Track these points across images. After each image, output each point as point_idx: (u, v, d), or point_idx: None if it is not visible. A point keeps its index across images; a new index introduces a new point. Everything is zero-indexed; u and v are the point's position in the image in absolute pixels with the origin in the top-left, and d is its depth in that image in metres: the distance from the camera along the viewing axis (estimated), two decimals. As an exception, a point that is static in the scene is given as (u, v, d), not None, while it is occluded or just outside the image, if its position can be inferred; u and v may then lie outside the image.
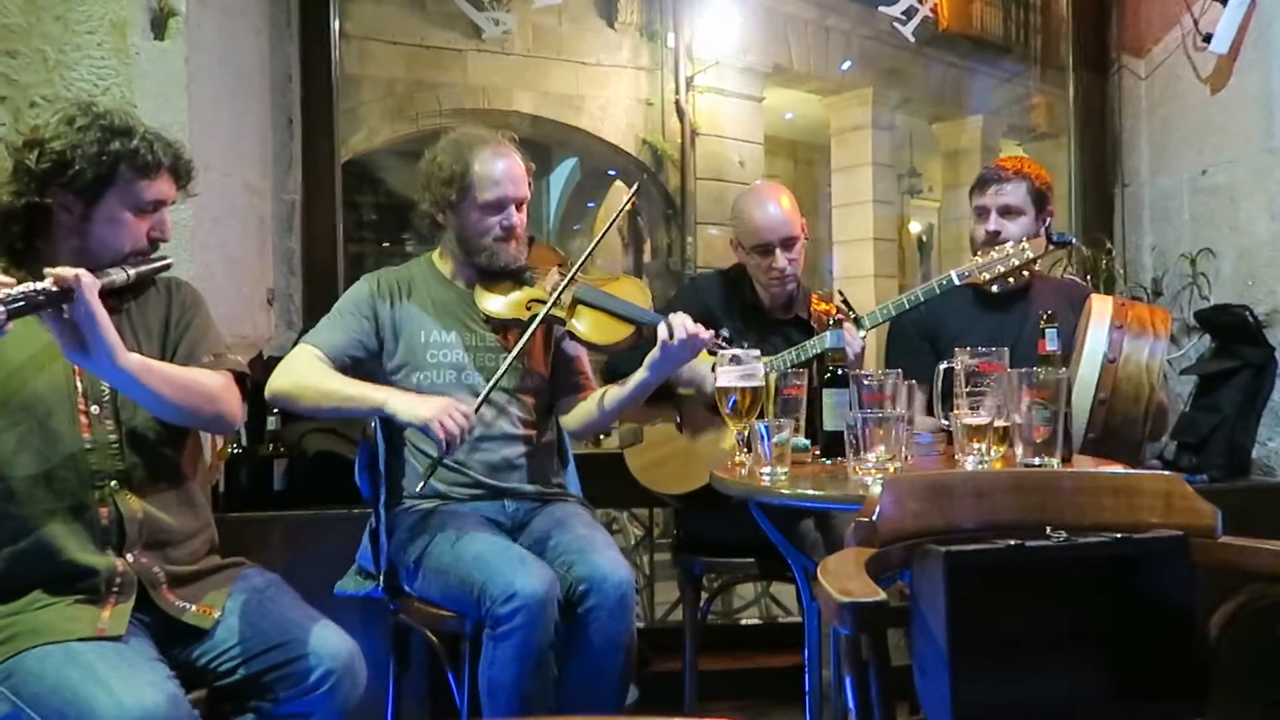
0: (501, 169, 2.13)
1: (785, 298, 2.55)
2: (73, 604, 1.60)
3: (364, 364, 2.13)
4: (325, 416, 2.07)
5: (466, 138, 2.17)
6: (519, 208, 2.16)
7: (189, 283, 1.92)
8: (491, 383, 2.06)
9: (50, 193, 1.65)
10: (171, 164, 1.74)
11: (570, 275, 2.12)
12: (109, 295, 1.57)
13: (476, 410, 2.00)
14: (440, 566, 1.96)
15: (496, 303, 2.16)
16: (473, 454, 2.12)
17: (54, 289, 1.48)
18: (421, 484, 2.05)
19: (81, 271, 1.51)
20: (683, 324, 2.05)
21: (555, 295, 2.11)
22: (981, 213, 2.48)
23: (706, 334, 2.06)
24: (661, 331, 2.06)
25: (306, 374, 2.05)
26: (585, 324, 2.15)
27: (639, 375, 2.12)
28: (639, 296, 2.20)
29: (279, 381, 2.05)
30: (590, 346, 2.22)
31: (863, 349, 2.32)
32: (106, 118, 1.68)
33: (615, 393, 2.17)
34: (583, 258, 2.15)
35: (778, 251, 2.46)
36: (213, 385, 1.73)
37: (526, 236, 2.21)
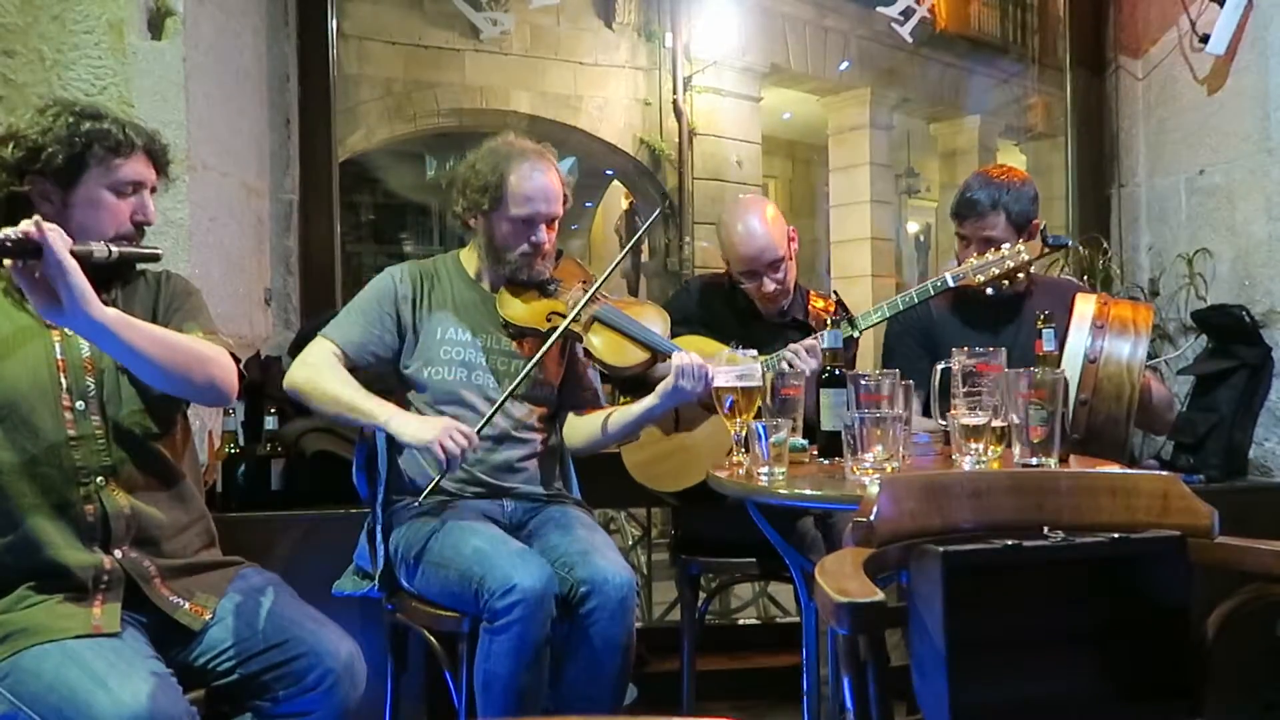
0: (536, 185, 2.12)
1: (781, 308, 2.57)
2: (62, 602, 1.60)
3: (384, 360, 2.15)
4: (331, 418, 2.09)
5: (507, 147, 2.16)
6: (549, 225, 2.16)
7: (181, 275, 1.90)
8: (502, 398, 2.07)
9: (28, 181, 1.65)
10: (146, 144, 1.74)
11: (591, 292, 2.15)
12: (95, 281, 1.54)
13: (479, 431, 2.01)
14: (440, 560, 1.96)
15: (518, 310, 2.18)
16: (476, 453, 2.12)
17: (19, 237, 1.47)
18: (423, 496, 2.05)
19: (51, 225, 1.49)
20: (693, 364, 2.04)
21: (575, 310, 2.14)
22: (963, 240, 2.45)
23: None
24: (676, 360, 2.06)
25: (320, 372, 2.06)
26: (601, 343, 2.18)
27: (648, 402, 2.11)
28: (658, 324, 2.23)
29: (296, 375, 2.07)
30: (603, 366, 2.23)
31: (849, 350, 2.33)
32: (77, 106, 1.71)
33: (620, 416, 2.18)
34: (604, 275, 2.19)
35: (764, 277, 2.48)
36: (203, 348, 1.69)
37: (554, 252, 2.22)
